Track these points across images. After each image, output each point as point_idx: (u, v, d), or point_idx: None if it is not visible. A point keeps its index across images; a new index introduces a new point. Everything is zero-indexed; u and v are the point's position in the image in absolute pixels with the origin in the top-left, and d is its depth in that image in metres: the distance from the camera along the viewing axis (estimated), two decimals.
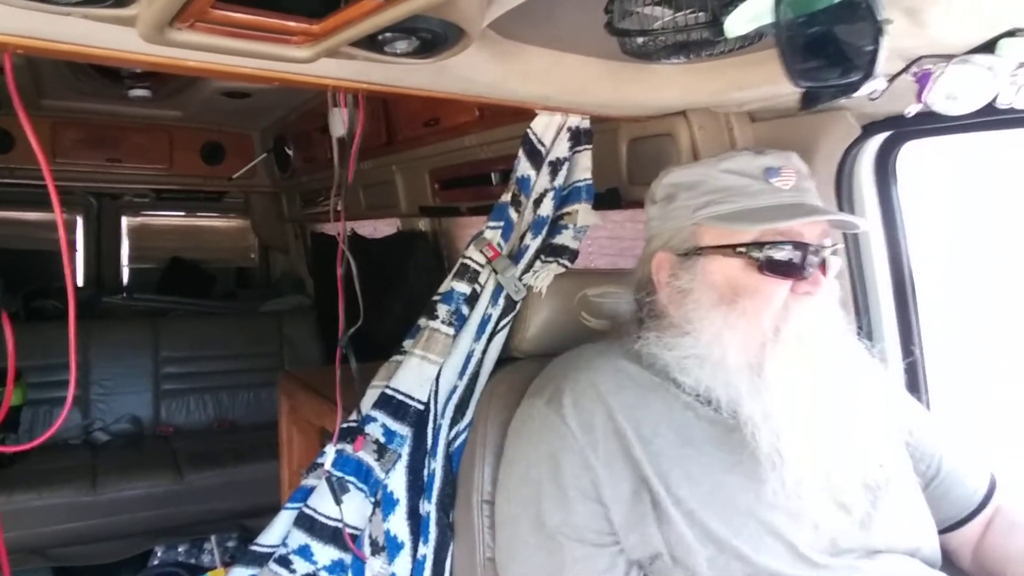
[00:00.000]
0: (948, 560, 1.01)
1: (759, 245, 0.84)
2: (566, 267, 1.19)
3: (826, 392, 0.83)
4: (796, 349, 0.82)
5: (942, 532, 0.98)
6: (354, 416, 1.24)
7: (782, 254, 0.83)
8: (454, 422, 1.21)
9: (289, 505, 1.24)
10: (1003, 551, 0.96)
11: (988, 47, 0.74)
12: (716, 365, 0.84)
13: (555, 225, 1.24)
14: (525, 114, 1.21)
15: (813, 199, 0.89)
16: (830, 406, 0.83)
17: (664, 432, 0.85)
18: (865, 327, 1.18)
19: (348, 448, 1.20)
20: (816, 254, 0.84)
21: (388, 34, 0.72)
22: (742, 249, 0.84)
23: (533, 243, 1.21)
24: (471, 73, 0.94)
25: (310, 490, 1.22)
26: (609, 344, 0.97)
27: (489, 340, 1.20)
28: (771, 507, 0.81)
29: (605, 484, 0.83)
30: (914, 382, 1.19)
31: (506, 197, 1.24)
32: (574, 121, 1.22)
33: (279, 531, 1.23)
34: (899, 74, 0.79)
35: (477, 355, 1.21)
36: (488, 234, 1.23)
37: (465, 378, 1.21)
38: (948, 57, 0.76)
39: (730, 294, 0.85)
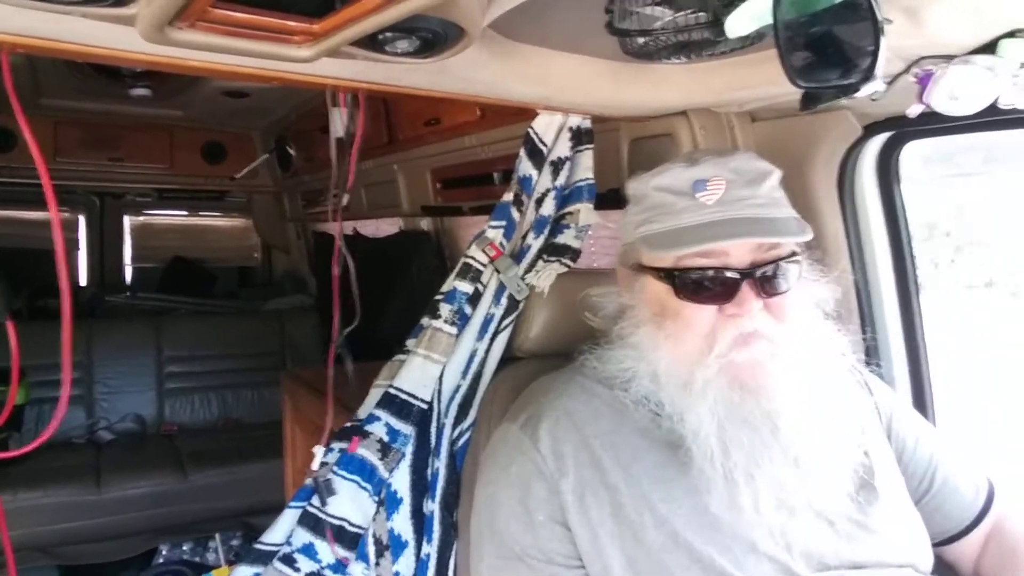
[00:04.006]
0: (950, 572, 0.99)
1: (676, 271, 0.82)
2: (568, 267, 1.19)
3: (767, 411, 0.80)
4: (725, 370, 0.80)
5: (940, 544, 0.96)
6: (355, 416, 1.24)
7: (698, 279, 0.81)
8: (457, 421, 1.21)
9: (293, 504, 1.24)
10: None
11: (989, 48, 0.73)
12: (653, 379, 0.84)
13: (557, 225, 1.24)
14: (526, 114, 1.21)
15: (748, 208, 0.81)
16: (776, 424, 0.80)
17: (643, 456, 0.84)
18: (869, 337, 1.17)
19: (346, 448, 1.20)
20: (739, 275, 0.80)
21: (388, 33, 0.72)
22: (661, 274, 0.84)
23: (535, 243, 1.21)
24: (472, 73, 0.94)
25: (313, 489, 1.22)
26: (583, 366, 0.96)
27: (492, 340, 1.20)
28: (754, 524, 0.80)
29: (572, 511, 0.82)
30: (919, 392, 1.18)
31: (508, 197, 1.24)
32: (575, 121, 1.22)
33: (283, 529, 1.23)
34: (900, 75, 0.79)
35: (480, 355, 1.21)
36: (490, 233, 1.23)
37: (468, 377, 1.21)
38: (949, 58, 0.76)
39: (659, 314, 0.85)
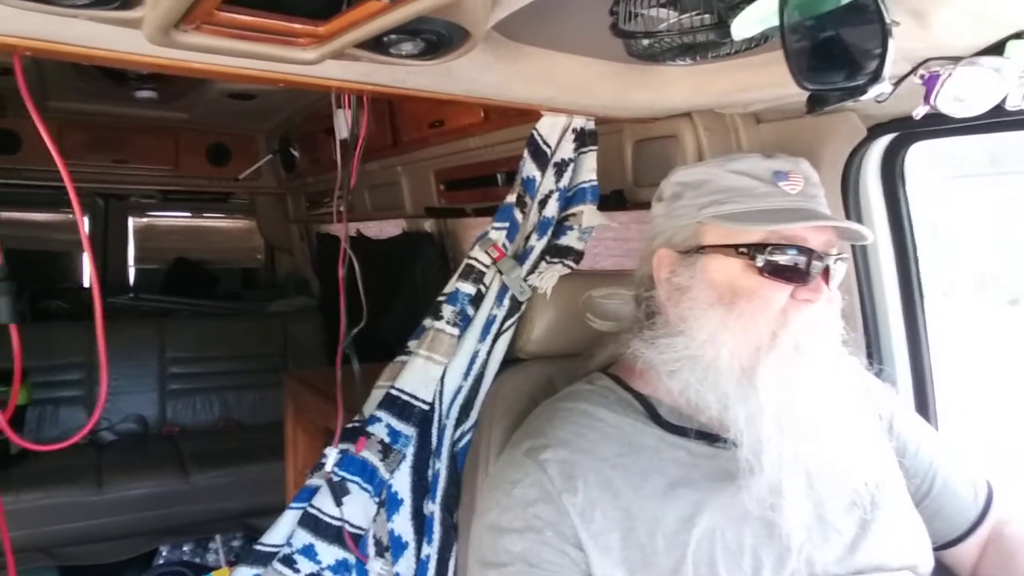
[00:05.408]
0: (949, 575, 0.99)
1: (762, 247, 0.82)
2: (571, 268, 1.19)
3: (817, 403, 0.80)
4: (791, 356, 0.80)
5: (939, 549, 0.95)
6: (358, 417, 1.24)
7: (785, 258, 0.82)
8: (459, 423, 1.21)
9: (294, 505, 1.24)
10: None
11: (996, 49, 0.73)
12: (708, 367, 0.83)
13: (560, 226, 1.24)
14: (530, 115, 1.21)
15: (820, 206, 0.87)
16: (820, 418, 0.80)
17: (654, 477, 0.83)
18: (873, 339, 1.17)
19: (351, 449, 1.20)
20: (820, 260, 0.83)
21: (393, 36, 0.72)
22: (744, 250, 0.83)
23: (538, 244, 1.21)
24: (476, 75, 0.94)
25: (315, 490, 1.22)
26: (591, 390, 0.95)
27: (494, 341, 1.20)
28: (768, 539, 0.79)
29: (581, 529, 0.80)
30: (921, 394, 1.18)
31: (511, 198, 1.24)
32: (579, 122, 1.22)
33: (284, 531, 1.23)
34: (906, 76, 0.79)
35: (482, 356, 1.21)
36: (493, 235, 1.23)
37: (470, 379, 1.21)
38: (955, 59, 0.76)
39: (729, 295, 0.83)
